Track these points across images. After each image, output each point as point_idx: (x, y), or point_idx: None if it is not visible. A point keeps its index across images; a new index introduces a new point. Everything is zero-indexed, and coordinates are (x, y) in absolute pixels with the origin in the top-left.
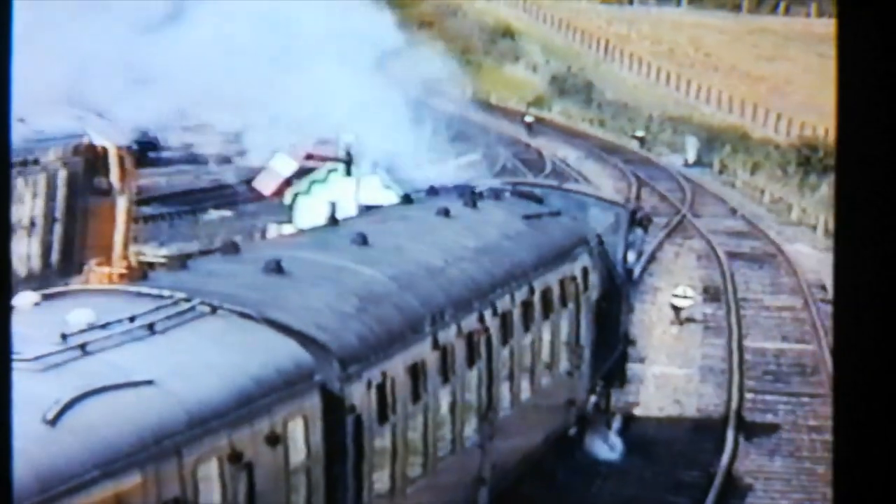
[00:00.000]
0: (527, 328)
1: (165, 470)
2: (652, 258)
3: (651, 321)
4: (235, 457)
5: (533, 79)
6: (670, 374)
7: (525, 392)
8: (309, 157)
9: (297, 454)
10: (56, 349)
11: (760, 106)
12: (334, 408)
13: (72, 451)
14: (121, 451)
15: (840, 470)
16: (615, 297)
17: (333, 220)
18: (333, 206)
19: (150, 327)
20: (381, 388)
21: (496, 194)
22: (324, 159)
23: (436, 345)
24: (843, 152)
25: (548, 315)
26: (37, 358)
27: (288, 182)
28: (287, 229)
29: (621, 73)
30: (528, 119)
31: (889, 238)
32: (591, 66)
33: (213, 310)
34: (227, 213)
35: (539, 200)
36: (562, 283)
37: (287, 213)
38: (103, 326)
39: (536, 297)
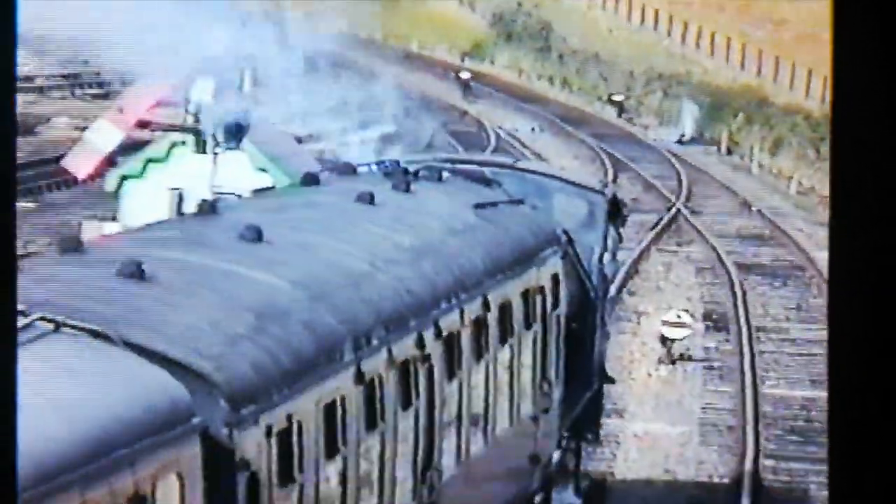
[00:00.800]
0: (479, 356)
1: None
2: (633, 271)
3: (632, 359)
4: None
5: (469, 18)
6: (659, 433)
7: (477, 444)
8: (142, 124)
9: None
10: None
11: (784, 59)
12: (220, 461)
13: None
14: None
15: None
16: (588, 317)
17: (179, 213)
18: (180, 195)
19: None
20: (284, 437)
21: (435, 175)
22: (165, 128)
23: (360, 377)
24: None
25: (506, 339)
26: None
27: (111, 160)
28: (110, 228)
29: (591, 11)
30: (464, 75)
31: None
32: (547, 2)
33: (56, 327)
34: (26, 204)
35: (490, 183)
36: (525, 295)
37: (111, 205)
38: None
39: (492, 315)
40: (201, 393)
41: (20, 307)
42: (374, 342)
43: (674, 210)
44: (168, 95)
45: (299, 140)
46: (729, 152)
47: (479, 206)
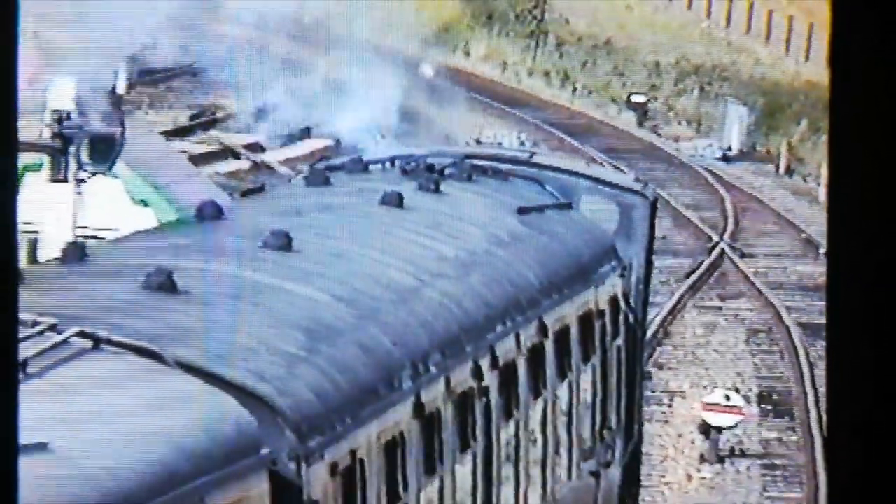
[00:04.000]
0: (537, 393)
1: None
2: (663, 335)
3: (665, 455)
4: None
5: None
6: None
7: (534, 500)
8: None
9: None
10: None
11: None
12: (287, 500)
13: None
14: None
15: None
16: (629, 351)
17: (34, 260)
18: (34, 239)
19: (22, 368)
20: (348, 476)
21: (465, 173)
22: (31, 147)
23: (419, 410)
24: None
25: (565, 373)
26: None
27: None
28: None
29: None
30: (427, 70)
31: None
32: None
33: (96, 344)
34: None
35: (538, 184)
36: (584, 319)
37: None
38: None
39: (549, 342)
40: (266, 422)
41: (51, 321)
42: (433, 369)
43: (716, 252)
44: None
45: (307, 131)
46: (789, 172)
47: (522, 210)
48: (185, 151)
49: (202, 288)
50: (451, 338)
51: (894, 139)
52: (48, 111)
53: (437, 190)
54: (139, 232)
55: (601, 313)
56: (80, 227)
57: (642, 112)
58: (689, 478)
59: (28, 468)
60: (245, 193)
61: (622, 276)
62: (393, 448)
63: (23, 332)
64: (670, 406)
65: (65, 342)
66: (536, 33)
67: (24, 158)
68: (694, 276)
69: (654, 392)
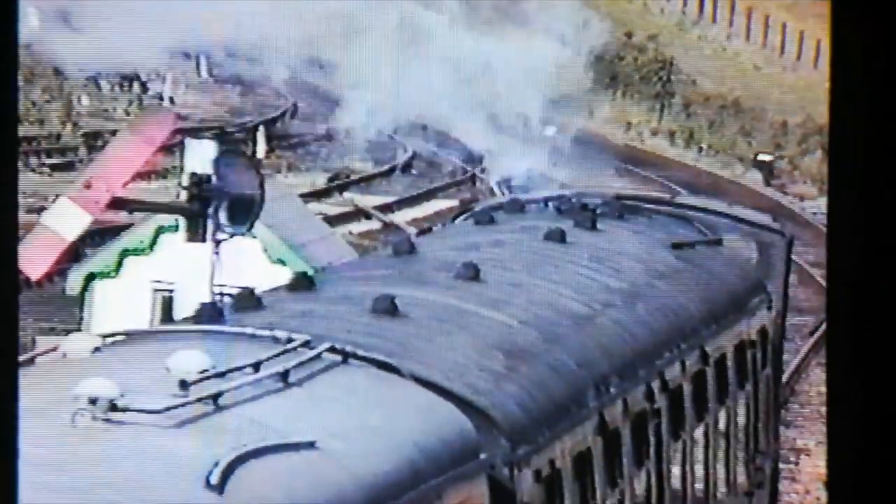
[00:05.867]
0: (700, 416)
1: None
2: (788, 392)
3: None
4: None
5: (558, 54)
6: None
7: None
8: (117, 203)
9: None
10: (182, 401)
11: None
12: (501, 502)
13: None
14: None
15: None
16: (775, 381)
17: (168, 318)
18: (170, 296)
19: (284, 377)
20: (548, 484)
21: (615, 212)
22: (148, 207)
23: (602, 427)
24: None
25: (723, 399)
26: (166, 409)
27: (74, 252)
28: (74, 343)
29: (730, 43)
30: (549, 131)
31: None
32: (667, 33)
33: (344, 358)
34: None
35: (685, 221)
36: (738, 349)
37: (72, 312)
38: (222, 375)
39: (710, 370)
40: (483, 430)
41: (305, 337)
42: (613, 390)
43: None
44: (153, 163)
45: (424, 128)
46: None
47: (676, 245)
48: (321, 213)
49: (415, 312)
50: (626, 362)
51: None
52: (185, 174)
53: (593, 227)
54: (346, 264)
55: (752, 343)
56: (217, 286)
57: (768, 171)
58: None
59: (298, 463)
60: (420, 233)
61: (769, 308)
62: (581, 461)
63: (280, 348)
64: (797, 464)
65: (318, 356)
66: (662, 94)
67: (160, 220)
68: (818, 334)
69: (781, 450)
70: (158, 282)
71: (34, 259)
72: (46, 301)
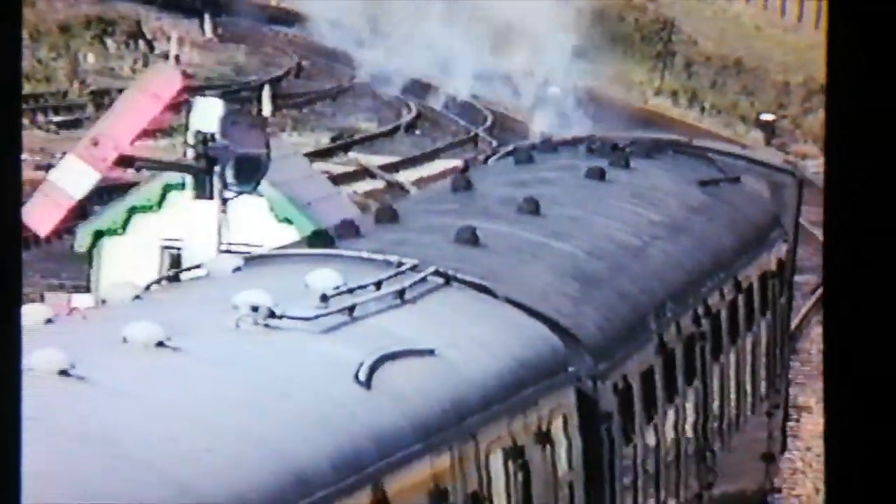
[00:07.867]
0: (734, 339)
1: (466, 455)
2: (790, 349)
3: (794, 468)
4: (517, 451)
5: (560, 13)
6: None
7: (733, 433)
8: (124, 161)
9: (561, 462)
10: (323, 311)
11: None
12: (588, 411)
13: (391, 418)
14: (432, 426)
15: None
16: (789, 309)
17: (176, 277)
18: (178, 253)
19: (401, 295)
20: (623, 397)
21: (644, 150)
22: (155, 165)
23: (662, 348)
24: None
25: (750, 324)
26: (315, 317)
27: (82, 210)
28: (82, 299)
29: (731, 4)
30: (553, 90)
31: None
32: None
33: (447, 281)
34: None
35: (705, 161)
36: (762, 279)
37: (81, 269)
38: (351, 291)
39: (741, 297)
40: (570, 347)
41: (413, 261)
42: (669, 315)
43: None
44: (160, 121)
45: (428, 87)
46: None
47: (703, 183)
48: (326, 172)
49: (493, 242)
50: (677, 289)
51: None
52: (191, 132)
53: (627, 165)
54: (415, 198)
55: (772, 274)
56: (224, 244)
57: (770, 131)
58: (818, 490)
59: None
60: (463, 170)
61: (785, 241)
62: (646, 377)
63: (393, 270)
64: (798, 421)
65: (424, 279)
66: (663, 54)
67: (167, 177)
68: (819, 292)
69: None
70: (167, 239)
71: (40, 216)
72: (54, 258)
